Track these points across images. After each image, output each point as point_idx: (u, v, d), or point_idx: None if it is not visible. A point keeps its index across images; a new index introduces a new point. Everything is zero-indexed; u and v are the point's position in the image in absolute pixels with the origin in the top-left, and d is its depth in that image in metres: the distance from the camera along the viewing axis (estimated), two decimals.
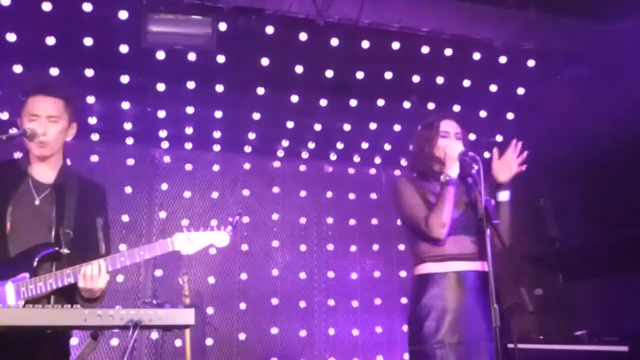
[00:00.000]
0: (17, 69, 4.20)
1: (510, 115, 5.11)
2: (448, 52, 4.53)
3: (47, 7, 3.87)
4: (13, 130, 2.61)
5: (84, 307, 2.14)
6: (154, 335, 4.47)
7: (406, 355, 4.97)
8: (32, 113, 2.46)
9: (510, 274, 2.62)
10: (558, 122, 4.90)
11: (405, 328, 5.01)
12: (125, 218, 4.67)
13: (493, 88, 4.86)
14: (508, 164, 2.75)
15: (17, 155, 2.85)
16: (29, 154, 2.53)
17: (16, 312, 1.84)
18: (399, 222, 5.09)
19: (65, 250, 2.39)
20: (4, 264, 2.32)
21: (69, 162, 2.70)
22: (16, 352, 2.21)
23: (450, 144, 2.74)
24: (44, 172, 2.54)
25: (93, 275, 2.30)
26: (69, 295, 2.24)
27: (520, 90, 4.89)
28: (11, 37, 4.01)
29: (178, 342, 4.46)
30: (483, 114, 5.04)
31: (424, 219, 2.63)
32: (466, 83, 4.80)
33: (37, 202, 2.46)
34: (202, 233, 2.47)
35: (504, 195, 2.72)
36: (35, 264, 2.33)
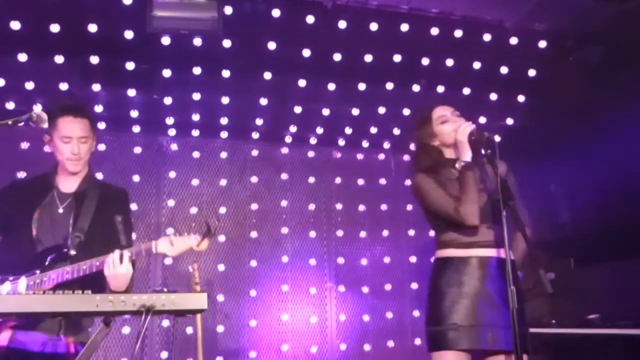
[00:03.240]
0: (22, 57, 4.16)
1: (521, 98, 5.03)
2: (458, 33, 4.46)
3: None
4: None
5: None
6: (165, 322, 4.46)
7: (417, 341, 4.97)
8: (65, 135, 2.72)
9: (528, 258, 2.58)
10: (570, 104, 4.82)
11: (416, 314, 5.02)
12: (133, 207, 4.64)
13: (504, 70, 4.78)
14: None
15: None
16: (58, 167, 2.81)
17: (28, 298, 1.84)
18: (409, 207, 5.11)
19: (72, 252, 2.64)
20: (26, 263, 2.58)
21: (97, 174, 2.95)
22: None
23: (459, 128, 2.68)
24: (68, 183, 2.81)
25: (115, 261, 2.51)
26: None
27: (532, 72, 4.81)
28: (15, 25, 3.97)
29: (189, 330, 4.46)
30: (494, 96, 4.97)
31: (454, 209, 2.58)
32: (476, 65, 4.72)
33: (60, 211, 2.74)
34: (182, 238, 2.66)
35: None
36: (47, 263, 2.58)
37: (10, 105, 4.33)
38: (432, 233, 2.85)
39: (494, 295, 2.53)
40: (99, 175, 4.59)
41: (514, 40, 4.54)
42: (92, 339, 1.98)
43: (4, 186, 2.88)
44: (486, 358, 2.57)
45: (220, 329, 4.62)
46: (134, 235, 4.48)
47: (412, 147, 2.99)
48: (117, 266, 2.51)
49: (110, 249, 2.59)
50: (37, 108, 3.96)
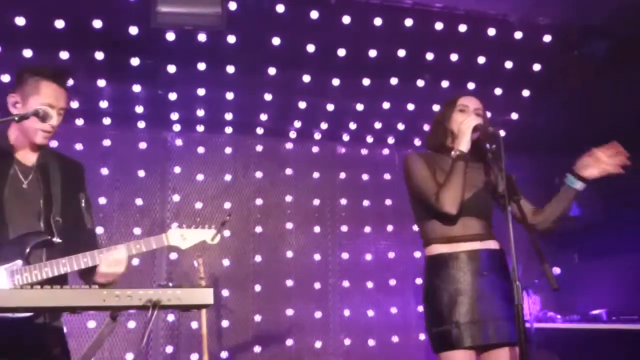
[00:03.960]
0: (27, 53, 4.17)
1: (525, 92, 5.02)
2: (462, 28, 4.44)
3: None
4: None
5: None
6: (171, 317, 4.49)
7: (422, 336, 4.98)
8: (49, 103, 2.42)
9: (531, 253, 2.57)
10: (575, 98, 4.81)
11: (420, 309, 5.02)
12: (139, 202, 4.67)
13: (508, 65, 4.77)
14: (599, 162, 2.60)
15: None
16: (13, 137, 2.47)
17: (34, 293, 1.82)
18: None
19: (57, 239, 2.39)
20: (2, 250, 2.31)
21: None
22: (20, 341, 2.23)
23: (465, 119, 2.68)
24: (28, 155, 2.50)
25: (120, 259, 2.35)
26: (63, 283, 2.23)
27: (536, 67, 4.80)
28: (20, 20, 3.98)
29: (194, 324, 4.47)
30: (498, 91, 4.96)
31: (435, 194, 2.58)
32: (481, 60, 4.71)
33: (24, 186, 2.45)
34: (195, 230, 2.56)
35: (576, 184, 2.61)
36: (27, 251, 2.33)
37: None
38: (416, 228, 2.84)
39: (489, 288, 2.53)
40: (104, 171, 4.62)
41: (518, 35, 4.52)
42: (98, 333, 1.98)
43: None
44: (488, 352, 2.57)
45: (225, 323, 4.64)
46: (139, 230, 4.49)
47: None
48: (120, 263, 2.34)
49: (79, 233, 2.43)
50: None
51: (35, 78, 2.44)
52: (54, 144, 3.85)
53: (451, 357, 2.48)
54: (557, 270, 4.63)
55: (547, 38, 4.58)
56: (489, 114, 5.01)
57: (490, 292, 2.52)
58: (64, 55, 4.20)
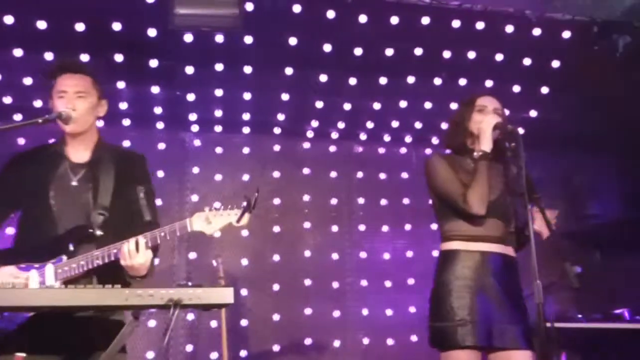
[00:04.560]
0: (49, 56, 4.24)
1: (544, 90, 4.97)
2: (480, 25, 4.42)
3: None
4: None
5: (133, 285, 2.23)
6: (190, 316, 4.53)
7: None
8: (60, 90, 2.47)
9: (551, 251, 2.55)
10: (595, 95, 4.75)
11: None
12: (158, 202, 4.65)
13: (526, 62, 4.73)
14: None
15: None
16: (64, 135, 2.56)
17: (59, 292, 1.87)
18: (431, 201, 5.09)
19: (99, 232, 2.41)
20: (48, 247, 2.37)
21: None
22: (60, 332, 2.27)
23: (485, 119, 2.68)
24: (79, 152, 2.55)
25: (131, 251, 2.30)
26: (114, 276, 2.24)
27: (555, 63, 4.75)
28: (42, 24, 4.05)
29: (213, 323, 4.51)
30: (516, 88, 4.92)
31: (462, 195, 2.57)
32: (499, 57, 4.68)
33: (74, 183, 2.48)
34: (219, 212, 2.42)
35: None
36: (71, 246, 2.36)
37: (38, 104, 4.41)
38: (434, 226, 2.84)
39: (500, 291, 2.52)
40: None
41: (537, 32, 4.48)
42: (121, 332, 2.01)
43: (7, 159, 2.60)
44: (495, 353, 2.55)
45: (244, 322, 4.67)
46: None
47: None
48: (133, 257, 2.29)
49: (133, 227, 2.40)
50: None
51: (53, 76, 2.54)
52: None
53: (454, 357, 2.47)
54: (578, 269, 4.58)
55: (566, 34, 4.53)
56: (507, 112, 5.00)
57: (497, 295, 2.52)
58: (84, 57, 4.25)
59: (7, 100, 4.41)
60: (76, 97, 2.47)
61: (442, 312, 2.54)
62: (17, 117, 4.44)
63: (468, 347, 2.45)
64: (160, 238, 2.36)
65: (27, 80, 4.35)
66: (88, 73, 2.57)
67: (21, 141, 4.31)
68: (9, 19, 3.99)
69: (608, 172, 5.09)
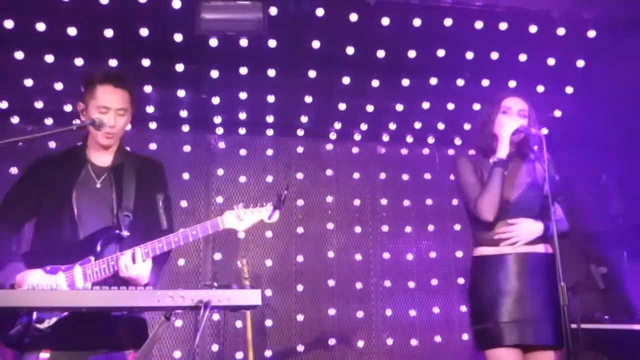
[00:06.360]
0: (79, 62, 4.35)
1: (569, 89, 4.92)
2: (503, 26, 4.39)
3: (104, 0, 3.98)
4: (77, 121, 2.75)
5: None
6: (216, 316, 4.60)
7: (465, 336, 4.95)
8: (103, 105, 2.53)
9: (576, 252, 2.56)
10: (620, 94, 4.69)
11: (463, 309, 5.00)
12: (184, 204, 4.80)
13: (551, 61, 4.69)
14: None
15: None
16: (88, 140, 2.63)
17: (93, 293, 1.91)
18: (454, 202, 5.09)
19: (126, 233, 2.47)
20: (73, 249, 2.43)
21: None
22: (85, 331, 2.33)
23: (506, 124, 2.68)
24: (102, 157, 2.63)
25: (127, 265, 2.36)
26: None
27: (580, 63, 4.70)
28: (72, 31, 4.16)
29: (239, 324, 4.58)
30: (540, 88, 4.88)
31: (474, 200, 2.60)
32: (522, 57, 4.65)
33: (98, 186, 2.55)
34: (250, 210, 2.50)
35: None
36: (99, 247, 2.42)
37: (68, 108, 4.53)
38: (457, 227, 2.88)
39: (534, 290, 2.53)
40: None
41: (561, 31, 4.44)
42: (153, 332, 2.07)
43: (31, 162, 2.66)
44: (529, 353, 2.57)
45: (268, 323, 4.72)
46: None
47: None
48: (130, 269, 2.34)
49: (150, 233, 2.45)
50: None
51: (92, 84, 2.57)
52: None
53: (497, 354, 2.50)
54: (603, 270, 4.53)
55: (591, 33, 4.48)
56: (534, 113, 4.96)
57: (532, 293, 2.53)
58: (113, 62, 4.37)
59: (39, 104, 4.54)
60: (117, 114, 2.56)
61: (478, 315, 2.58)
62: (48, 121, 4.58)
63: (511, 346, 2.48)
64: (175, 243, 2.42)
65: (58, 86, 4.48)
66: (127, 88, 2.62)
67: (52, 144, 4.45)
68: (41, 26, 4.11)
69: (634, 171, 5.02)
